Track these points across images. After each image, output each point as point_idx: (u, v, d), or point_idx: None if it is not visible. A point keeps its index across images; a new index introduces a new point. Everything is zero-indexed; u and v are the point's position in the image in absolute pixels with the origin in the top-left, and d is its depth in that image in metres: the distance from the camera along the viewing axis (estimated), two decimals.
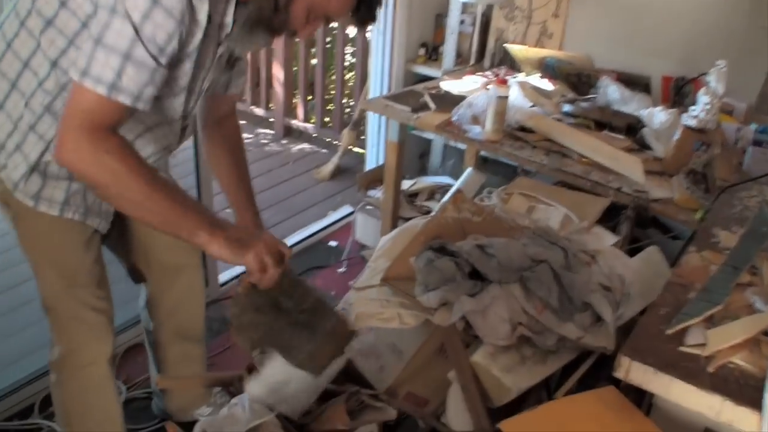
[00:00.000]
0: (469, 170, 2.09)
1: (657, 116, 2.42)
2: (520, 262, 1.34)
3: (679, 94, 2.82)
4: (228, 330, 2.78)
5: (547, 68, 2.98)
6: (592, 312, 1.36)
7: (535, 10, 3.26)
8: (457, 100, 2.65)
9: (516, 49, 3.02)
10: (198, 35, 1.28)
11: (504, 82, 2.30)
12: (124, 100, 1.22)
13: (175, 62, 1.29)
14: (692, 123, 2.14)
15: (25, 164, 1.46)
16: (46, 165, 1.47)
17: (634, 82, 2.84)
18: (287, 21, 1.36)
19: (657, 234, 2.19)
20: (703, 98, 2.15)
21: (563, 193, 1.83)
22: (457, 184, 2.09)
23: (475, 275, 1.37)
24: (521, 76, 2.95)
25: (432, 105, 2.62)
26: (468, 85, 2.87)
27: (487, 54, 3.35)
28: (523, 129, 2.43)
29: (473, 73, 3.08)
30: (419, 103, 2.69)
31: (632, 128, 2.46)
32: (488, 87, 2.83)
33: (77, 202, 1.56)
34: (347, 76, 5.06)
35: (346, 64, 4.89)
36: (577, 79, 2.92)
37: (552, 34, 3.23)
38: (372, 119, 3.74)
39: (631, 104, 2.57)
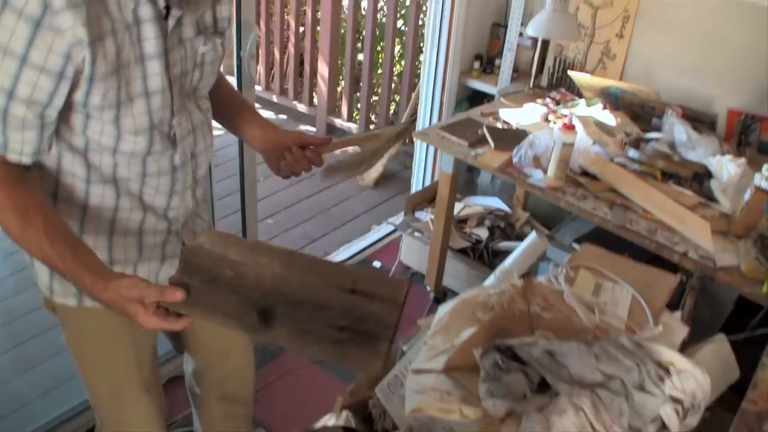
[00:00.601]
0: (532, 236, 2.07)
1: (726, 167, 2.39)
2: (592, 377, 1.34)
3: (745, 132, 2.78)
4: (270, 362, 2.82)
5: (609, 96, 2.94)
6: (660, 422, 1.35)
7: (598, 28, 3.22)
8: (518, 135, 2.64)
9: (579, 77, 2.98)
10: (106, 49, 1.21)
11: (571, 128, 2.28)
12: None
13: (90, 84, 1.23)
14: (765, 185, 2.11)
15: (42, 265, 1.47)
16: None
17: (700, 119, 2.80)
18: None
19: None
20: None
21: (630, 267, 1.81)
22: (519, 251, 2.08)
23: (544, 381, 1.37)
24: (582, 105, 2.92)
25: (491, 141, 2.60)
26: (528, 115, 2.85)
27: (545, 72, 3.31)
28: (585, 173, 2.41)
29: (533, 98, 3.05)
30: (477, 136, 2.68)
31: (698, 176, 2.43)
32: (548, 118, 2.82)
33: None
34: (396, 71, 5.02)
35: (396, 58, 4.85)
36: (641, 110, 2.88)
37: (615, 55, 3.18)
38: (423, 125, 3.72)
39: (698, 149, 2.53)
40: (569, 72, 3.07)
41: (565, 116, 2.80)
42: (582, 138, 2.54)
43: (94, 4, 1.17)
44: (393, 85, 4.82)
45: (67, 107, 1.27)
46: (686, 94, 2.94)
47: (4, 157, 1.27)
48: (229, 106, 1.72)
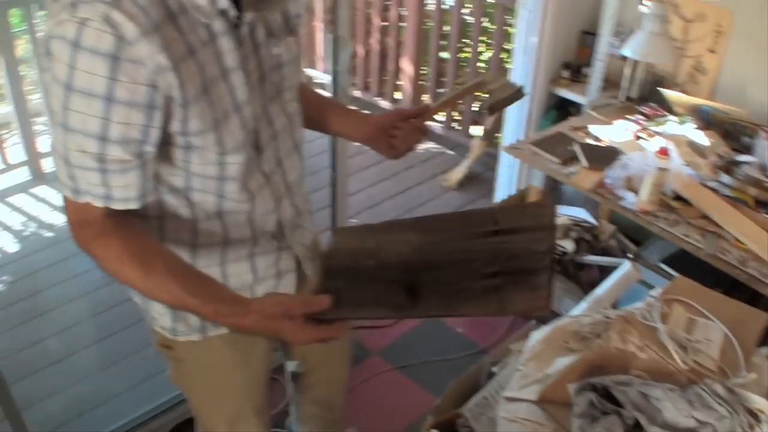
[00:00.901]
0: (625, 265, 2.13)
1: None
2: (686, 423, 1.42)
3: None
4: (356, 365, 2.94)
5: (700, 113, 2.97)
6: None
7: (690, 42, 3.24)
8: (609, 153, 2.70)
9: (671, 95, 3.02)
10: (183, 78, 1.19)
11: (666, 152, 2.35)
12: (94, 202, 1.24)
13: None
14: None
15: (163, 309, 1.54)
16: None
17: None
18: None
19: None
20: None
21: (722, 302, 1.87)
22: (611, 280, 2.14)
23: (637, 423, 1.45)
24: (673, 122, 2.96)
25: (583, 160, 2.67)
26: (619, 132, 2.92)
27: (635, 82, 3.34)
28: (678, 197, 2.46)
29: (623, 113, 3.09)
30: (569, 153, 2.75)
31: None
32: (640, 136, 2.87)
33: None
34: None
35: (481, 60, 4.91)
36: (732, 128, 2.91)
37: (707, 70, 3.20)
38: (509, 133, 3.77)
39: None
40: (660, 89, 3.11)
41: (657, 134, 2.86)
42: (675, 160, 2.59)
43: (167, 28, 1.16)
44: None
45: (166, 143, 1.27)
46: None
47: (108, 208, 1.25)
48: (318, 110, 1.74)
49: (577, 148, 2.76)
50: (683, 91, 3.20)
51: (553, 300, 1.23)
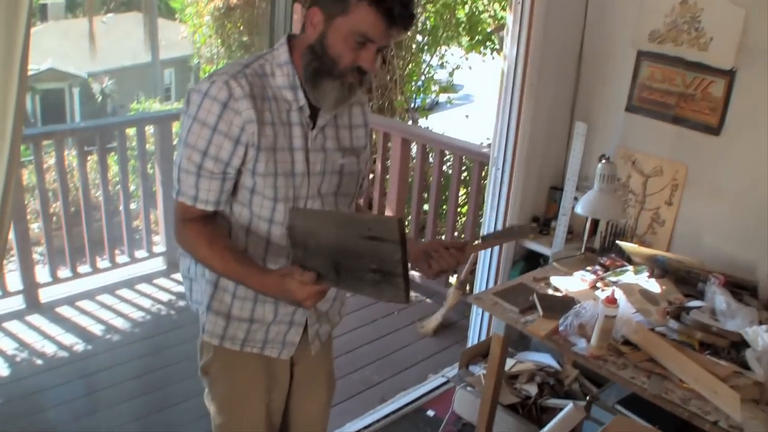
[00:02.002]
0: (568, 407, 2.31)
1: (761, 337, 2.64)
2: None
3: None
4: None
5: (656, 262, 3.24)
6: None
7: (648, 195, 3.57)
8: (566, 303, 2.95)
9: (627, 246, 3.31)
10: (267, 132, 1.90)
11: (613, 301, 2.59)
12: (185, 201, 1.94)
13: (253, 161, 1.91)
14: None
15: (217, 318, 2.12)
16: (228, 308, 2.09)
17: (742, 286, 3.08)
18: (335, 58, 1.85)
19: None
20: None
21: None
22: (555, 420, 2.33)
23: None
24: (630, 272, 3.22)
25: (540, 309, 2.92)
26: (577, 283, 3.17)
27: (598, 236, 3.64)
28: (627, 342, 2.69)
29: (584, 264, 3.36)
30: (528, 302, 3.00)
31: (736, 344, 2.69)
32: (597, 286, 3.13)
33: (256, 338, 2.14)
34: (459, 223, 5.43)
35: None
36: (686, 275, 3.17)
37: (664, 221, 3.52)
38: (480, 284, 4.05)
39: (737, 318, 2.80)
40: (618, 242, 3.40)
41: (613, 284, 3.12)
42: (625, 307, 2.84)
43: (261, 101, 1.89)
44: (456, 233, 5.22)
45: (241, 181, 1.95)
46: (731, 261, 3.25)
47: (194, 207, 1.93)
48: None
49: (534, 298, 3.01)
50: (642, 243, 3.50)
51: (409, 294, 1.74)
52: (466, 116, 7.69)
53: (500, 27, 4.93)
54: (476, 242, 2.26)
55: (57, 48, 13.62)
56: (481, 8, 6.08)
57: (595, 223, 3.65)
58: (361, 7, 1.79)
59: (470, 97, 17.69)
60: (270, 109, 1.91)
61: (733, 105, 3.26)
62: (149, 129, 5.72)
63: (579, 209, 3.28)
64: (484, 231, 4.02)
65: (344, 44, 1.84)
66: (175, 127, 5.29)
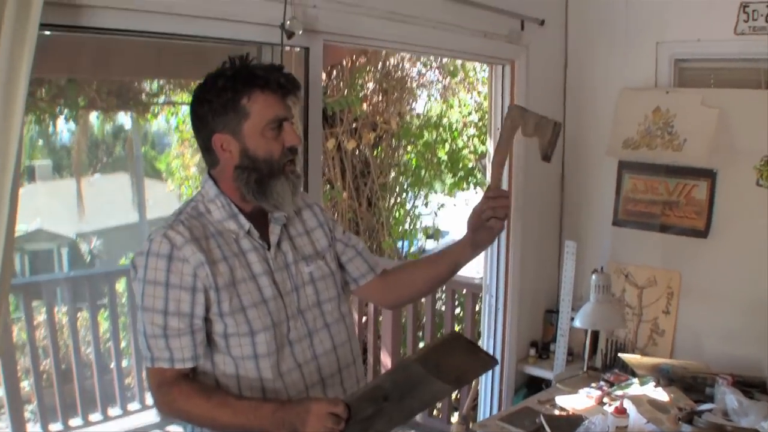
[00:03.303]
0: None
1: None
2: None
3: None
4: None
5: (661, 372, 3.18)
6: None
7: (645, 307, 3.56)
8: (573, 420, 2.88)
9: (630, 358, 3.26)
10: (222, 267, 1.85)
11: (622, 411, 2.53)
12: (163, 365, 1.82)
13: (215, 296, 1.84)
14: None
15: None
16: None
17: (751, 384, 3.03)
18: (268, 157, 1.86)
19: None
20: None
21: None
22: None
23: None
24: (635, 384, 3.15)
25: (548, 430, 2.84)
26: (583, 400, 3.10)
27: (598, 353, 3.59)
28: None
29: (588, 382, 3.30)
30: (535, 425, 2.92)
31: None
32: (604, 401, 3.06)
33: None
34: None
35: None
36: (693, 381, 3.11)
37: (664, 331, 3.49)
38: (483, 414, 3.94)
39: (751, 415, 2.73)
40: (620, 355, 3.36)
41: (620, 397, 3.05)
42: (635, 418, 2.76)
43: (206, 240, 1.85)
44: None
45: (213, 329, 1.86)
46: (736, 361, 3.21)
47: (173, 368, 1.82)
48: (425, 272, 2.24)
49: (541, 420, 2.94)
50: (644, 354, 3.45)
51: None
52: None
53: (482, 156, 5.03)
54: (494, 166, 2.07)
55: (45, 208, 13.78)
56: (461, 144, 6.23)
57: (595, 341, 3.61)
58: (255, 102, 1.84)
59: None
60: (218, 245, 1.87)
61: (717, 205, 3.33)
62: None
63: (578, 323, 3.25)
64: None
65: (266, 139, 1.87)
66: None
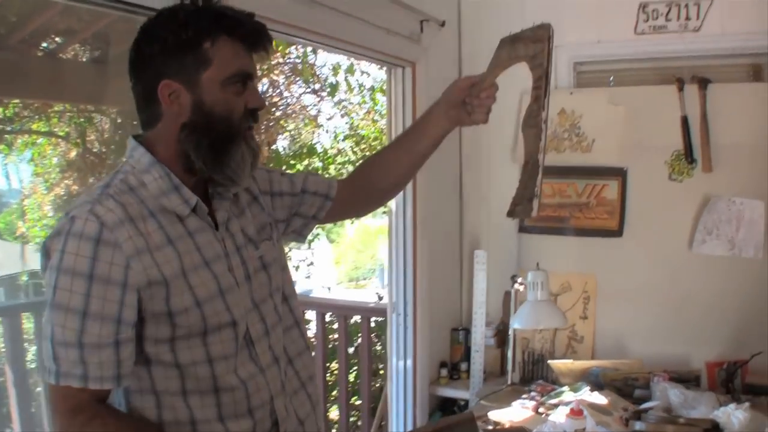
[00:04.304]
0: None
1: (734, 416, 2.54)
2: None
3: (731, 379, 2.99)
4: None
5: (591, 377, 3.10)
6: None
7: None
8: None
9: (559, 364, 3.17)
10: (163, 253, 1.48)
11: (579, 413, 2.40)
12: (72, 383, 1.41)
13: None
14: None
15: None
16: None
17: (686, 379, 3.02)
18: (226, 116, 1.53)
19: None
20: None
21: None
22: None
23: None
24: (567, 392, 3.05)
25: None
26: (519, 412, 2.97)
27: (515, 367, 3.47)
28: None
29: (514, 396, 3.18)
30: None
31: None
32: (539, 411, 2.93)
33: None
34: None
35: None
36: (622, 384, 3.06)
37: (582, 337, 3.42)
38: None
39: (699, 406, 2.71)
40: (549, 362, 3.25)
41: (555, 405, 2.93)
42: (588, 420, 2.65)
43: (143, 221, 1.47)
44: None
45: (153, 334, 1.48)
46: (662, 358, 3.18)
47: (96, 393, 1.43)
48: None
49: None
50: None
51: None
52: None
53: None
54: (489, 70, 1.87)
55: None
56: (333, 173, 6.08)
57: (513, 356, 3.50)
58: (220, 48, 1.51)
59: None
60: (159, 226, 1.49)
61: (630, 203, 3.33)
62: None
63: (518, 324, 3.12)
64: (392, 388, 3.74)
65: (226, 95, 1.53)
66: (26, 322, 4.67)
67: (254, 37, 1.56)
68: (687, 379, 3.00)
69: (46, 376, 1.42)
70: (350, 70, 5.42)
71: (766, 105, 3.05)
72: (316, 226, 2.06)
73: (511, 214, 1.75)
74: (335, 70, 5.48)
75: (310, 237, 2.03)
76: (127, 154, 1.57)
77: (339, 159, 6.14)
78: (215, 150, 1.52)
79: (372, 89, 5.59)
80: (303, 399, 1.74)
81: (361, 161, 2.14)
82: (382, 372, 5.27)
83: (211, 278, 1.53)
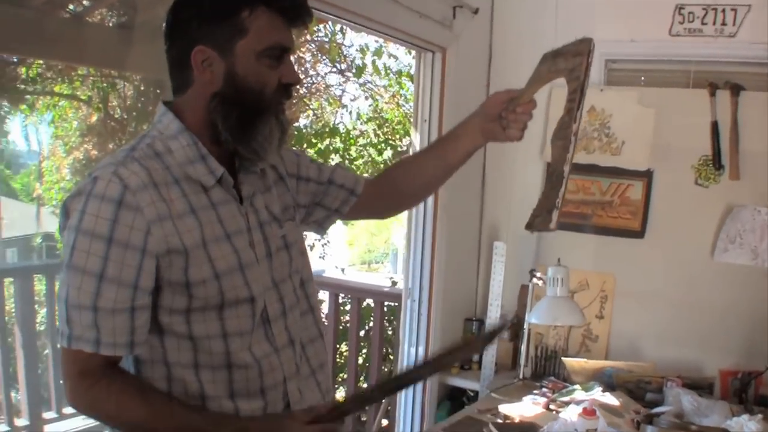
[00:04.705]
0: None
1: (747, 427, 2.54)
2: None
3: (745, 389, 2.99)
4: None
5: (603, 377, 3.09)
6: None
7: None
8: (526, 429, 2.73)
9: (573, 362, 3.16)
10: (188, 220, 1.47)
11: (592, 413, 2.40)
12: (84, 347, 1.40)
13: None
14: None
15: None
16: None
17: (698, 386, 3.01)
18: (259, 89, 1.51)
19: None
20: None
21: None
22: None
23: None
24: (578, 390, 3.05)
25: None
26: (529, 407, 2.96)
27: (529, 362, 3.47)
28: None
29: (525, 392, 3.17)
30: None
31: None
32: (550, 408, 2.93)
33: None
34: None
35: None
36: (635, 387, 3.05)
37: (597, 336, 3.41)
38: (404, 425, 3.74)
39: (712, 415, 2.70)
40: (563, 359, 3.25)
41: (566, 403, 2.93)
42: (601, 420, 2.65)
43: (167, 188, 1.45)
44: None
45: (168, 303, 1.47)
46: (675, 363, 3.18)
47: (107, 359, 1.42)
48: (435, 161, 2.00)
49: (492, 429, 2.77)
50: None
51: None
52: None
53: (403, 152, 4.87)
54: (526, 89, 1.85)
55: None
56: (354, 154, 6.06)
57: (527, 350, 3.50)
58: (258, 18, 1.48)
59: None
60: (182, 194, 1.47)
61: (653, 205, 3.31)
62: (7, 284, 4.54)
63: (535, 319, 3.12)
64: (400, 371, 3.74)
65: (261, 67, 1.50)
66: (38, 284, 4.67)
67: (294, 10, 1.53)
68: (700, 386, 2.98)
69: (59, 339, 1.42)
70: (378, 53, 5.41)
71: None
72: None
73: (529, 226, 1.73)
74: (363, 51, 5.49)
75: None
76: (155, 118, 1.56)
77: (361, 141, 6.13)
78: (243, 123, 1.51)
79: (399, 73, 5.58)
80: (312, 386, 1.72)
81: (392, 164, 2.13)
82: (391, 357, 5.29)
83: (232, 252, 1.52)
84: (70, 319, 1.39)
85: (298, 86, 1.66)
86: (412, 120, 3.64)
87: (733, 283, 3.13)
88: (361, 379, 5.15)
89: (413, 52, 3.55)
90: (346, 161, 5.90)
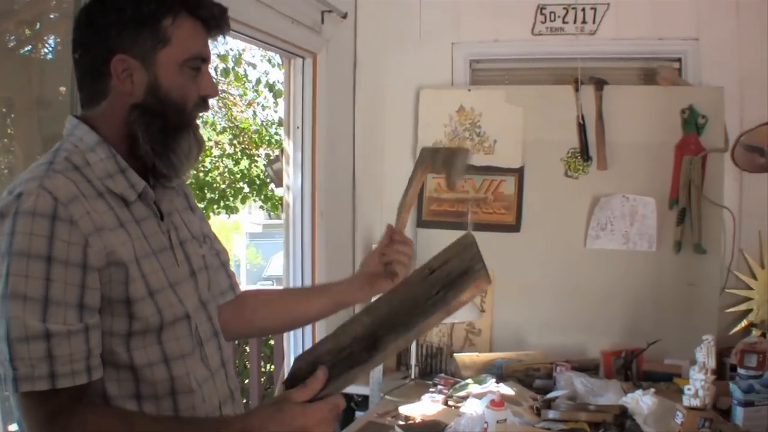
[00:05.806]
0: None
1: (643, 401, 2.67)
2: None
3: (629, 367, 3.19)
4: None
5: (493, 369, 3.19)
6: None
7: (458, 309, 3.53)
8: (433, 428, 2.77)
9: (464, 357, 3.24)
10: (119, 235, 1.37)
11: (500, 404, 2.47)
12: (41, 386, 1.24)
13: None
14: (695, 402, 2.46)
15: None
16: None
17: (585, 368, 3.16)
18: (180, 101, 1.45)
19: None
20: (697, 376, 2.51)
21: None
22: None
23: None
24: (472, 384, 3.13)
25: None
26: (429, 406, 3.01)
27: (412, 361, 3.52)
28: None
29: (420, 391, 3.22)
30: None
31: (617, 417, 2.69)
32: (449, 404, 2.99)
33: None
34: None
35: None
36: (524, 376, 3.17)
37: (480, 330, 3.52)
38: None
39: (607, 393, 2.84)
40: (455, 355, 3.33)
41: (463, 398, 3.01)
42: (507, 410, 2.73)
43: (95, 200, 1.35)
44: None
45: (110, 328, 1.34)
46: (560, 349, 3.34)
47: (72, 392, 1.27)
48: (291, 301, 1.96)
49: (396, 429, 2.80)
50: None
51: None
52: None
53: (274, 160, 4.76)
54: (400, 212, 1.87)
55: None
56: (209, 166, 5.91)
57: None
58: (180, 27, 1.42)
59: None
60: (108, 207, 1.38)
61: (527, 199, 3.46)
62: None
63: None
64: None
65: (183, 79, 1.44)
66: None
67: (215, 20, 1.48)
68: (588, 368, 3.14)
69: (4, 387, 1.24)
70: (238, 61, 5.32)
71: (657, 107, 3.25)
72: None
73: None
74: (223, 59, 5.37)
75: None
76: (66, 131, 1.46)
77: (216, 151, 6.01)
78: (165, 136, 1.44)
79: (258, 81, 5.51)
80: (239, 410, 1.66)
81: (267, 290, 2.10)
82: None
83: (160, 269, 1.44)
84: (14, 357, 1.21)
85: (215, 98, 1.60)
86: (275, 128, 3.64)
87: (608, 268, 3.33)
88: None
89: (273, 60, 3.53)
90: (201, 174, 5.76)
